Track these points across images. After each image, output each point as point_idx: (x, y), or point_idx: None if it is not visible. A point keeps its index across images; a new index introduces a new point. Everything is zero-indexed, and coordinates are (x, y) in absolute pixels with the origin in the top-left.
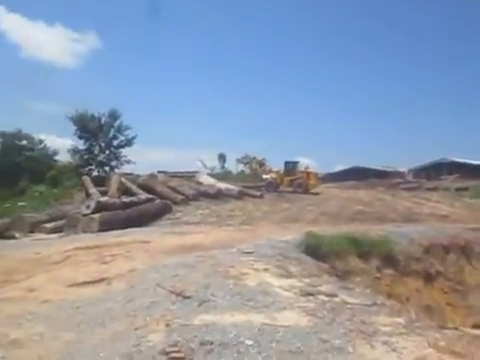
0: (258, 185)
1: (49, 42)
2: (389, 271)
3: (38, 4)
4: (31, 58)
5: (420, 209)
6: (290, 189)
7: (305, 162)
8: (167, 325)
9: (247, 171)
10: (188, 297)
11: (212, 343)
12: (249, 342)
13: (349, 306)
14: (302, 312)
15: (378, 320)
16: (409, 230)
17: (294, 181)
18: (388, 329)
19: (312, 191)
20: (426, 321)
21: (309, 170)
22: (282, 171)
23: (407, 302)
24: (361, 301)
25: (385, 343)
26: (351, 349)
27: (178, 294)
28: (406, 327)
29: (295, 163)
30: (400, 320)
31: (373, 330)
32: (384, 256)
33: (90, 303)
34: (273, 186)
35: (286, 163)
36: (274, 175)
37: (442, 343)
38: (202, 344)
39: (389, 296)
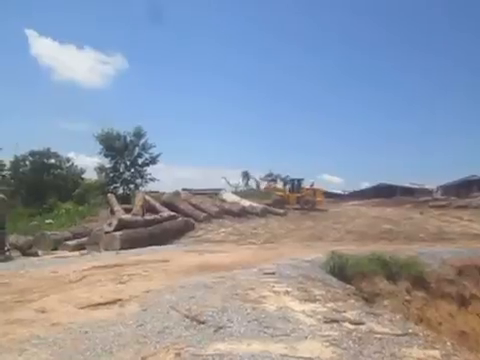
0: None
1: (79, 64)
2: (420, 294)
3: (68, 28)
4: (62, 80)
5: (451, 228)
6: (297, 206)
7: (333, 180)
8: (177, 354)
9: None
10: (203, 322)
11: None
12: None
13: (378, 336)
14: (325, 342)
15: (411, 353)
16: (440, 250)
17: (301, 198)
18: None
19: (318, 208)
20: (464, 353)
21: (315, 187)
22: (288, 188)
23: (439, 327)
24: (391, 330)
25: None
26: None
27: (193, 318)
28: None
29: (300, 180)
30: (436, 353)
31: None
32: (414, 278)
33: (100, 327)
34: (280, 203)
35: (291, 180)
36: (281, 193)
37: None
38: None
39: (420, 321)
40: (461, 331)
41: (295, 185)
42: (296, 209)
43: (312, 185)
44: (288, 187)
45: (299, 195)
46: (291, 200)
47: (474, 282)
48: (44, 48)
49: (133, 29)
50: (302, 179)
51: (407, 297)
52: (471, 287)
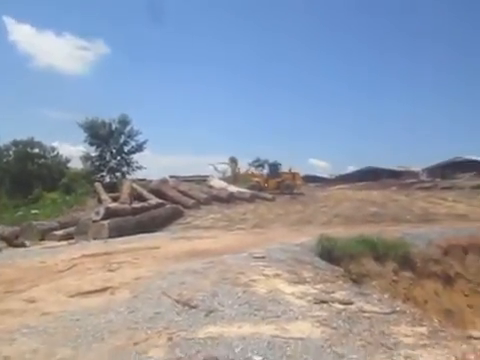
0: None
1: (58, 51)
2: (406, 274)
3: (46, 14)
4: (41, 67)
5: (436, 209)
6: (277, 191)
7: (320, 164)
8: (169, 338)
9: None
10: (194, 306)
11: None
12: (257, 358)
13: (366, 315)
14: (315, 322)
15: (399, 330)
16: (426, 231)
17: (281, 183)
18: (410, 340)
19: (296, 191)
20: (450, 329)
21: (294, 171)
22: (265, 174)
23: (425, 305)
24: (379, 309)
25: (407, 357)
26: None
27: (184, 303)
28: (430, 337)
29: (277, 165)
30: (423, 329)
31: (394, 342)
32: (401, 258)
33: (91, 314)
34: (256, 189)
35: (270, 166)
36: (257, 178)
37: (471, 357)
38: None
39: (407, 300)
40: (447, 309)
41: (272, 170)
42: (275, 194)
43: (290, 169)
44: (266, 172)
45: (279, 180)
46: (270, 185)
47: (459, 261)
48: (22, 35)
49: (114, 14)
50: (279, 164)
51: (394, 277)
52: (456, 266)
